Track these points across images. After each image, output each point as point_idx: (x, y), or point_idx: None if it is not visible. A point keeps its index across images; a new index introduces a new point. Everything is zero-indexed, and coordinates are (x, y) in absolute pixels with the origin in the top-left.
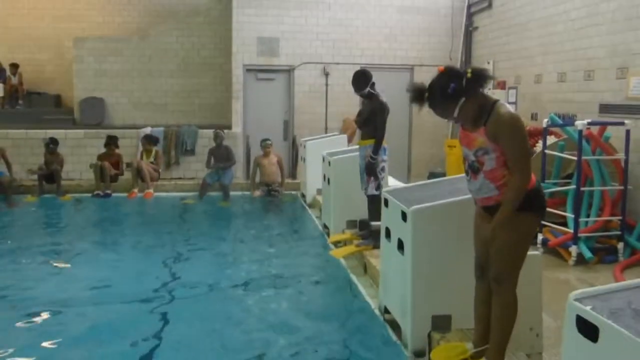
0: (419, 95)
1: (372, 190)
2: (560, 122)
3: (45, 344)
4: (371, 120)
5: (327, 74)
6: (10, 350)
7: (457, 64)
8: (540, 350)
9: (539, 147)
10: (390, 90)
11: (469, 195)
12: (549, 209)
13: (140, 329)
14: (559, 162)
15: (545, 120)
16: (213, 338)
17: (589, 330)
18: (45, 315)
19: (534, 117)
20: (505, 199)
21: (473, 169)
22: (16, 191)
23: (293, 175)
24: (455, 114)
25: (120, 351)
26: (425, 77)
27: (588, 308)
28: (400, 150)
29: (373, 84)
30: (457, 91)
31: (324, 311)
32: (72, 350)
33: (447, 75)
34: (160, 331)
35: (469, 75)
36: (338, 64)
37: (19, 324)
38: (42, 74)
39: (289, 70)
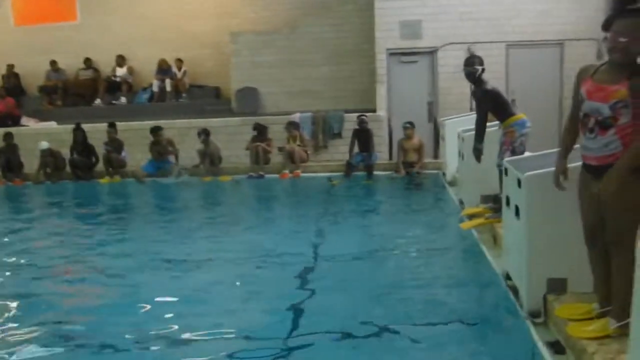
0: (624, 1)
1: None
2: None
3: (196, 291)
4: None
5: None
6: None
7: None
8: None
9: None
10: (539, 67)
11: (579, 162)
12: None
13: (287, 288)
14: None
15: None
16: (354, 297)
17: None
18: (205, 268)
19: None
20: (629, 151)
21: (604, 125)
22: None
23: (435, 155)
24: None
25: (273, 307)
26: (577, 52)
27: None
28: (551, 130)
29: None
30: None
31: (453, 278)
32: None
33: None
34: (307, 290)
35: None
36: (482, 42)
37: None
38: (203, 68)
39: (432, 52)
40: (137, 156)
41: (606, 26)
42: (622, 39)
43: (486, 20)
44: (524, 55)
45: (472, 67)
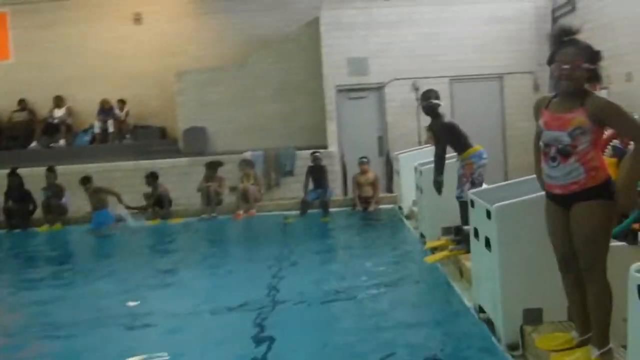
0: (565, 31)
1: (467, 196)
2: None
3: (158, 351)
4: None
5: (416, 89)
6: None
7: (546, 69)
8: None
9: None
10: (481, 99)
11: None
12: None
13: (247, 337)
14: None
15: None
16: (318, 343)
17: None
18: (159, 324)
19: None
20: (631, 168)
21: (564, 153)
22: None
23: (389, 189)
24: (583, 65)
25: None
26: (515, 84)
27: None
28: (496, 159)
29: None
30: (598, 56)
31: (422, 313)
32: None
33: (593, 47)
34: (268, 339)
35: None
36: (427, 77)
37: (135, 333)
38: (148, 108)
39: (380, 88)
40: (78, 202)
41: (550, 60)
42: (565, 67)
43: (428, 56)
44: (466, 89)
45: (429, 101)
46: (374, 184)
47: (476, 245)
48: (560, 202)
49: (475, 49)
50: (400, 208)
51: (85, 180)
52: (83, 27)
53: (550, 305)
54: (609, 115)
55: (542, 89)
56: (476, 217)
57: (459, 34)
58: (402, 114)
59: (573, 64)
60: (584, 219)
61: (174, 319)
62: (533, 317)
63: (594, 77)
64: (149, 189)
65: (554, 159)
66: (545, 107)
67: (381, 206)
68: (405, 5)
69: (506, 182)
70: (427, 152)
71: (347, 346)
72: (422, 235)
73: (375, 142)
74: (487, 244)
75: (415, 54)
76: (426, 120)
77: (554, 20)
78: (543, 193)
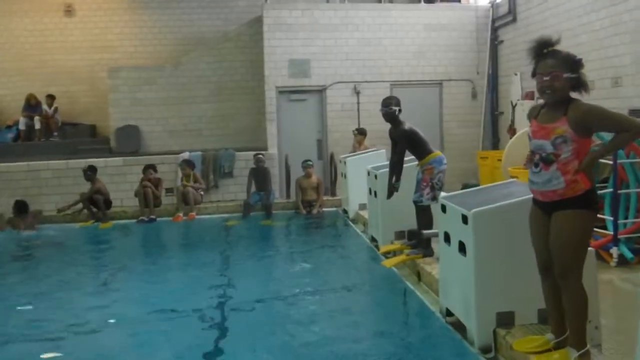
0: (544, 43)
1: (427, 201)
2: None
3: None
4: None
5: (358, 93)
6: None
7: (484, 78)
8: (599, 342)
9: None
10: (421, 105)
11: (526, 196)
12: None
13: (191, 344)
14: (596, 167)
15: None
16: (266, 352)
17: None
18: (97, 332)
19: None
20: (617, 137)
21: (546, 161)
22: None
23: (332, 192)
24: (565, 75)
25: None
26: (454, 91)
27: None
28: None
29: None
30: (578, 65)
31: (385, 319)
32: None
33: (574, 56)
34: (214, 346)
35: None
36: (369, 82)
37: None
38: (77, 105)
39: (321, 91)
40: (1, 201)
41: (533, 73)
42: (545, 78)
43: (370, 61)
44: (407, 94)
45: (389, 107)
46: (318, 188)
47: (446, 250)
48: (543, 208)
49: (415, 55)
50: (345, 211)
51: None
52: (7, 19)
53: (522, 309)
54: (592, 121)
55: (479, 97)
56: (448, 222)
57: (399, 40)
58: (342, 117)
59: (552, 75)
60: (562, 227)
61: (114, 331)
62: (506, 320)
63: (578, 85)
64: (84, 190)
65: (537, 165)
66: (535, 117)
67: (325, 209)
68: (347, 9)
69: (475, 189)
70: (374, 156)
71: (302, 357)
72: (373, 239)
73: (315, 144)
74: (461, 248)
75: (356, 57)
76: (365, 124)
77: (494, 30)
78: (518, 199)
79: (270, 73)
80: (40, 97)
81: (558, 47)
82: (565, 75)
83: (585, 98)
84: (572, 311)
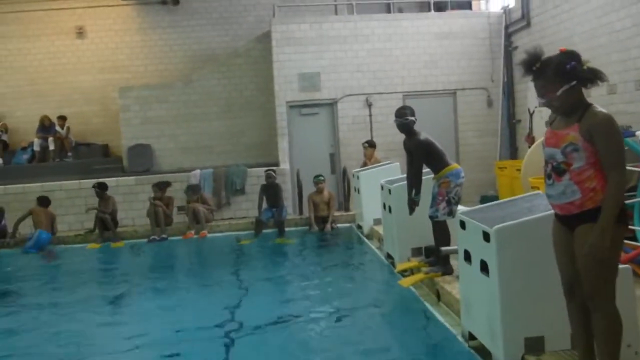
0: (530, 61)
1: (443, 216)
2: None
3: None
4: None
5: (370, 105)
6: None
7: (500, 85)
8: None
9: None
10: (435, 115)
11: (552, 210)
12: None
13: None
14: None
15: None
16: None
17: None
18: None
19: None
20: (605, 202)
21: (558, 171)
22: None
23: (346, 207)
24: (559, 92)
25: None
26: (468, 100)
27: None
28: None
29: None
30: (573, 71)
31: (403, 344)
32: None
33: (569, 54)
34: None
35: (586, 66)
36: (380, 93)
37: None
38: (90, 126)
39: (332, 104)
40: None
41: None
42: (541, 101)
43: (381, 72)
44: (420, 105)
45: (405, 117)
46: (329, 203)
47: (467, 269)
48: (564, 222)
49: (427, 65)
50: (359, 227)
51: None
52: (22, 41)
53: (552, 333)
54: (596, 133)
55: (495, 105)
56: (468, 240)
57: (411, 50)
58: (354, 130)
59: (547, 96)
60: (587, 242)
61: (128, 355)
62: (535, 345)
63: (585, 80)
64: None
65: (549, 176)
66: (550, 124)
67: (338, 225)
68: (356, 20)
69: (494, 203)
70: (388, 170)
71: None
72: (388, 256)
73: (328, 158)
74: (483, 268)
75: (367, 69)
76: (378, 136)
77: (508, 36)
78: (544, 214)
79: (280, 88)
80: (53, 119)
81: (569, 48)
82: (562, 89)
83: (608, 99)
84: (601, 336)
